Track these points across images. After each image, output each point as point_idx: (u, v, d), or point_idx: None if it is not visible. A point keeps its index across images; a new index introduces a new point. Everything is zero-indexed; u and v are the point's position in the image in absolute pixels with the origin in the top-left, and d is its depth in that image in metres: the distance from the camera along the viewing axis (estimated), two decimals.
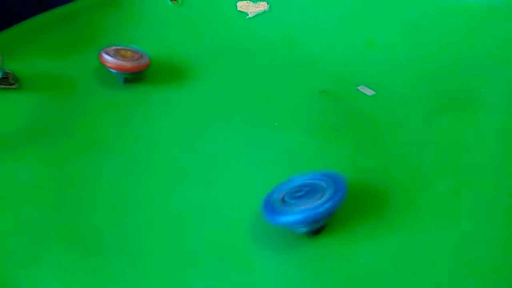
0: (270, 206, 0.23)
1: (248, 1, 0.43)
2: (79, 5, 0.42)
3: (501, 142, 0.30)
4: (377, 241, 0.25)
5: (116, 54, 0.34)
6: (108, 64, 0.34)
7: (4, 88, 0.34)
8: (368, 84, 0.35)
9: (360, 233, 0.25)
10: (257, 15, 0.43)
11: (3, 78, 0.34)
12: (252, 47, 0.40)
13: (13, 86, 0.35)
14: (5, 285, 0.23)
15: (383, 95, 0.34)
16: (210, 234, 0.26)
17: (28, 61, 0.37)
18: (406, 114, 0.33)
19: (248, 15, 0.43)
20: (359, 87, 0.35)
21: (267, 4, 0.43)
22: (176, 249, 0.25)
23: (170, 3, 0.43)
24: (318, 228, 0.23)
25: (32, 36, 0.39)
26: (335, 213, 0.23)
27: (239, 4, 0.43)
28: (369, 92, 0.35)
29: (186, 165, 0.30)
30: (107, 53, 0.34)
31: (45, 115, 0.33)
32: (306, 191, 0.23)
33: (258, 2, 0.43)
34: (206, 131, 0.32)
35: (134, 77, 0.35)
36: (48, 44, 0.39)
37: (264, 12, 0.43)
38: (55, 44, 0.39)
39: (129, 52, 0.35)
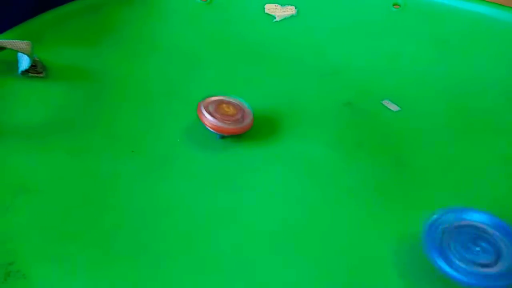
0: (434, 240, 0.20)
1: (276, 4, 0.43)
2: None
3: None
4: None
5: (217, 109, 0.30)
6: (206, 123, 0.30)
7: (32, 76, 0.35)
8: (393, 98, 0.35)
9: None
10: (284, 19, 0.43)
11: (32, 66, 0.34)
12: (276, 52, 0.40)
13: (41, 75, 0.35)
14: (31, 280, 0.23)
15: (408, 111, 0.34)
16: (233, 240, 0.26)
17: (56, 50, 0.37)
18: (430, 132, 0.33)
19: (275, 18, 0.43)
20: (383, 102, 0.35)
21: (295, 8, 0.43)
22: (199, 254, 0.25)
23: (199, 0, 0.43)
24: None
25: (60, 25, 0.39)
26: None
27: (267, 6, 0.43)
28: (394, 107, 0.35)
29: (212, 167, 0.30)
30: (206, 109, 0.30)
31: (72, 106, 0.33)
32: (482, 249, 0.20)
33: (286, 6, 0.43)
34: (230, 138, 0.32)
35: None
36: (76, 33, 0.39)
37: (292, 16, 0.43)
38: (84, 34, 0.39)
39: (231, 108, 0.31)
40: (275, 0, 0.43)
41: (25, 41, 0.34)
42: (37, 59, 0.35)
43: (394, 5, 0.42)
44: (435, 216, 0.22)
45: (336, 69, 0.39)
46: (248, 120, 0.31)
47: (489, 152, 0.31)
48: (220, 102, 0.31)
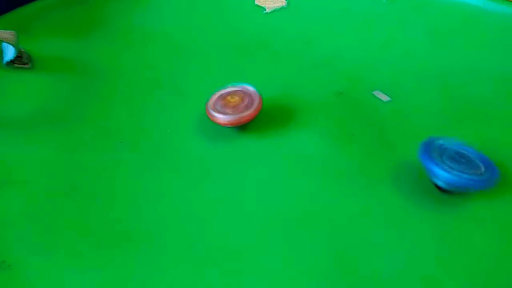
0: (430, 154, 0.25)
1: None
2: None
3: None
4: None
5: (224, 105, 0.29)
6: (222, 122, 0.29)
7: (17, 68, 0.34)
8: (384, 88, 0.35)
9: None
10: (274, 10, 0.42)
11: (17, 57, 0.34)
12: (267, 43, 0.40)
13: (27, 66, 0.34)
14: (17, 271, 0.23)
15: (399, 101, 0.34)
16: (229, 231, 0.26)
17: (43, 40, 0.37)
18: (421, 122, 0.33)
19: (265, 10, 0.42)
20: (374, 92, 0.35)
21: (285, 0, 0.43)
22: (194, 243, 0.25)
23: None
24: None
25: (47, 15, 0.38)
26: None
27: None
28: (385, 98, 0.35)
29: (203, 157, 0.30)
30: (215, 109, 0.29)
31: (58, 97, 0.33)
32: (466, 161, 0.26)
33: None
34: (221, 127, 0.32)
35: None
36: (63, 24, 0.38)
37: (282, 8, 0.42)
38: (71, 24, 0.38)
39: (235, 97, 0.29)
40: None
41: (9, 31, 0.33)
42: (23, 50, 0.35)
43: None
44: (430, 139, 0.27)
45: (327, 60, 0.38)
46: (257, 100, 0.29)
47: (478, 141, 0.31)
48: (223, 96, 0.30)
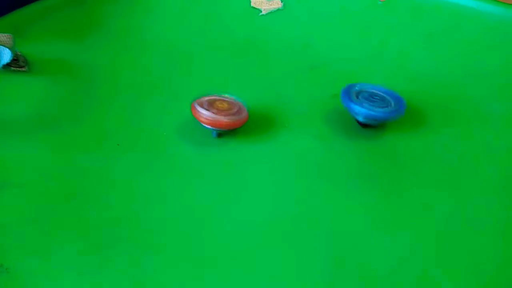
0: (349, 97, 0.31)
1: None
2: None
3: (507, 156, 0.31)
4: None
5: (210, 106, 0.30)
6: (202, 119, 0.29)
7: (14, 71, 0.34)
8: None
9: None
10: (270, 12, 0.42)
11: (13, 60, 0.34)
12: (263, 45, 0.40)
13: (23, 69, 0.34)
14: (15, 274, 0.23)
15: None
16: (225, 234, 0.26)
17: (39, 44, 0.37)
18: (416, 122, 0.33)
19: (261, 12, 0.42)
20: None
21: (281, 2, 0.43)
22: (190, 245, 0.25)
23: None
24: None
25: (43, 19, 0.38)
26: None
27: (253, 0, 0.43)
28: None
29: (199, 159, 0.30)
30: (201, 106, 0.29)
31: (55, 100, 0.33)
32: (379, 99, 0.31)
33: None
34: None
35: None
36: (60, 27, 0.38)
37: (278, 10, 0.43)
38: (68, 27, 0.38)
39: (225, 104, 0.30)
40: None
41: (6, 34, 0.33)
42: (19, 53, 0.35)
43: None
44: (348, 86, 0.32)
45: (323, 62, 0.39)
46: (244, 113, 0.30)
47: (474, 141, 0.32)
48: (213, 100, 0.30)
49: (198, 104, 0.29)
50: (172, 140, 0.31)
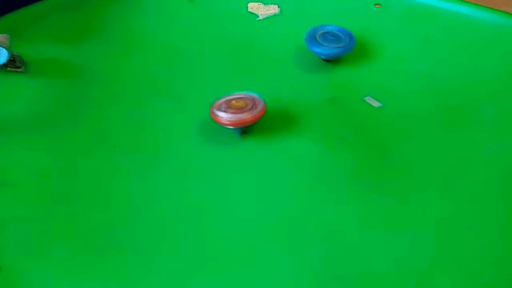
0: (313, 40, 0.37)
1: (259, 3, 0.43)
2: None
3: (502, 159, 0.31)
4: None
5: (228, 107, 0.30)
6: (224, 122, 0.29)
7: (10, 71, 0.34)
8: (375, 94, 0.36)
9: None
10: (267, 17, 0.43)
11: (10, 60, 0.34)
12: (260, 50, 0.40)
13: (20, 70, 0.34)
14: (9, 274, 0.23)
15: (390, 107, 0.35)
16: (222, 236, 0.26)
17: (35, 45, 0.37)
18: (412, 127, 0.33)
19: (258, 17, 0.43)
20: (365, 98, 0.36)
21: (278, 7, 0.43)
22: (187, 247, 0.25)
23: None
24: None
25: (41, 20, 0.38)
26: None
27: (250, 5, 0.43)
28: (376, 104, 0.35)
29: (197, 162, 0.30)
30: (219, 109, 0.30)
31: (52, 101, 0.33)
32: (334, 38, 0.37)
33: (269, 4, 0.43)
34: (215, 133, 0.32)
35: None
36: (57, 29, 0.38)
37: (275, 15, 0.43)
38: (65, 29, 0.38)
39: (240, 101, 0.30)
40: None
41: (3, 34, 0.33)
42: (16, 54, 0.35)
43: (375, 4, 0.42)
44: (311, 29, 0.38)
45: (319, 67, 0.39)
46: (261, 105, 0.30)
47: (468, 146, 0.32)
48: (229, 100, 0.31)
49: (216, 109, 0.30)
50: (169, 141, 0.31)
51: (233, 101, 0.30)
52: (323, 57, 0.37)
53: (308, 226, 0.27)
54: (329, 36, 0.37)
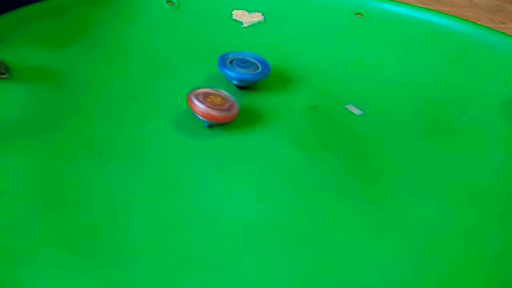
0: (224, 63, 0.36)
1: (244, 11, 0.44)
2: None
3: (477, 166, 0.32)
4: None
5: (205, 99, 0.32)
6: (196, 111, 0.31)
7: None
8: (356, 102, 0.37)
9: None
10: (251, 25, 0.43)
11: None
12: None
13: (4, 76, 0.34)
14: None
15: (370, 115, 0.36)
16: (206, 239, 0.26)
17: (20, 51, 0.36)
18: (391, 134, 0.34)
19: (242, 24, 0.43)
20: (347, 106, 0.36)
21: (262, 15, 0.44)
22: (170, 252, 0.25)
23: (166, 4, 0.43)
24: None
25: (24, 26, 0.38)
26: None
27: (234, 12, 0.44)
28: (357, 111, 0.36)
29: (179, 167, 0.30)
30: (197, 98, 0.31)
31: (36, 108, 0.33)
32: (248, 64, 0.37)
33: (254, 12, 0.44)
34: (201, 140, 0.32)
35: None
36: (42, 34, 0.38)
37: (259, 23, 0.44)
38: (49, 35, 0.38)
39: (218, 98, 0.32)
40: (242, 6, 0.44)
41: None
42: (0, 60, 0.34)
43: (356, 14, 0.43)
44: (223, 55, 0.37)
45: (302, 74, 0.40)
46: (235, 109, 0.32)
47: (446, 153, 0.33)
48: (208, 94, 0.32)
49: (194, 96, 0.32)
50: (153, 147, 0.31)
51: (212, 96, 0.32)
52: (236, 82, 0.36)
53: (290, 229, 0.27)
54: (242, 63, 0.37)
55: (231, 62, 0.36)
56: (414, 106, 0.37)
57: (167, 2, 0.43)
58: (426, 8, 0.43)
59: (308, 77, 0.39)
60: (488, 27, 0.41)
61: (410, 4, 0.44)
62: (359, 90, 0.38)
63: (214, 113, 0.31)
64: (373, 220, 0.28)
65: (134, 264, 0.25)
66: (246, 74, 0.36)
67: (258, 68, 0.36)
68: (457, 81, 0.39)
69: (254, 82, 0.37)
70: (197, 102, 0.31)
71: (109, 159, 0.30)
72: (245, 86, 0.37)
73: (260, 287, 0.24)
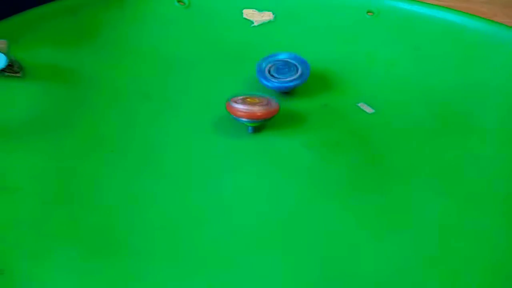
0: (262, 73, 0.35)
1: (254, 10, 0.44)
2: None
3: (491, 164, 0.32)
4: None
5: (243, 102, 0.32)
6: (238, 113, 0.31)
7: (8, 76, 0.34)
8: (368, 100, 0.37)
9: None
10: (261, 24, 0.43)
11: (8, 65, 0.34)
12: (254, 56, 0.41)
13: (18, 75, 0.35)
14: (10, 277, 0.23)
15: (382, 113, 0.36)
16: (217, 238, 0.26)
17: (33, 50, 0.37)
18: (404, 132, 0.34)
19: (253, 23, 0.43)
20: (359, 104, 0.36)
21: (273, 14, 0.44)
22: (184, 250, 0.25)
23: (176, 4, 0.43)
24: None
25: (37, 26, 0.38)
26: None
27: (245, 11, 0.44)
28: (369, 110, 0.36)
29: (191, 165, 0.30)
30: (236, 102, 0.32)
31: (49, 106, 0.33)
32: (288, 69, 0.36)
33: (264, 11, 0.44)
34: (209, 138, 0.33)
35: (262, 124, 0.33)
36: (54, 34, 0.38)
37: (269, 21, 0.44)
38: (62, 35, 0.39)
39: (255, 99, 0.33)
40: (252, 5, 0.44)
41: (1, 40, 0.33)
42: (14, 59, 0.35)
43: (368, 12, 0.43)
44: (261, 60, 0.36)
45: (313, 73, 0.39)
46: (274, 103, 0.32)
47: (459, 151, 0.33)
48: (244, 98, 0.33)
49: (233, 101, 0.32)
50: (165, 145, 0.31)
51: (249, 99, 0.33)
52: (277, 90, 0.36)
53: (303, 228, 0.27)
54: (282, 66, 0.36)
55: (269, 68, 0.35)
56: (426, 104, 0.36)
57: (178, 1, 0.43)
58: (438, 6, 0.43)
59: (320, 75, 0.39)
60: (503, 24, 0.41)
61: (422, 2, 0.43)
62: (371, 89, 0.38)
63: (253, 109, 0.31)
64: (387, 217, 0.28)
65: (148, 261, 0.25)
66: (285, 83, 0.35)
67: (298, 71, 0.35)
68: (470, 78, 0.38)
69: (291, 88, 0.36)
70: (236, 105, 0.31)
71: (121, 157, 0.30)
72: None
73: (275, 282, 0.24)
